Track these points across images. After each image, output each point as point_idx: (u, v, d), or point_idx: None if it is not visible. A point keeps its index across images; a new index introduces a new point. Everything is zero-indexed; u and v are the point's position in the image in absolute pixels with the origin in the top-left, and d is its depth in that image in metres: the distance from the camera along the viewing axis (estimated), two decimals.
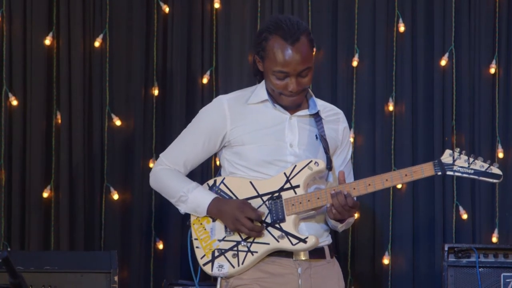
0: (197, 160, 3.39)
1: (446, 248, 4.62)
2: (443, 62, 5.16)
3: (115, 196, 5.10)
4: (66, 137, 5.07)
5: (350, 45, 5.20)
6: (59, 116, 5.09)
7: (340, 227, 3.31)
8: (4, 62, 5.05)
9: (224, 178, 3.31)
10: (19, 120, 5.07)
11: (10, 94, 5.06)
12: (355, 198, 3.24)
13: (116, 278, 4.38)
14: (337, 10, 5.22)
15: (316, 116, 3.32)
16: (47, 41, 5.08)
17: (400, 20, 5.18)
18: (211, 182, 3.33)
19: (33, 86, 5.07)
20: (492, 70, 5.16)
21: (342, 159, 3.40)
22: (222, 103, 3.32)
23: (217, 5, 5.18)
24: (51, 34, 5.10)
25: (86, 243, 5.05)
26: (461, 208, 5.10)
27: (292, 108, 3.29)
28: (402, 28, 5.17)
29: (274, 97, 3.27)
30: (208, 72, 5.19)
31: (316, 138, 3.29)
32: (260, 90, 3.33)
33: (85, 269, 4.39)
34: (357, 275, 5.13)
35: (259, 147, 3.26)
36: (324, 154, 3.27)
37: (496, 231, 5.08)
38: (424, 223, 5.12)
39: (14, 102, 5.05)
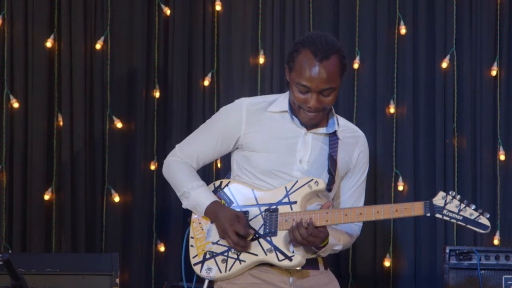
0: (210, 158, 3.41)
1: (447, 250, 4.62)
2: (444, 64, 5.16)
3: (116, 198, 5.10)
4: (68, 139, 5.08)
5: (351, 47, 5.20)
6: (60, 118, 5.10)
7: (322, 252, 3.26)
8: (6, 64, 5.06)
9: (229, 182, 3.33)
10: (20, 122, 5.07)
11: (11, 96, 5.06)
12: (359, 226, 3.30)
13: (117, 280, 4.38)
14: (338, 12, 5.22)
15: (332, 136, 3.31)
16: (49, 44, 5.09)
17: (401, 22, 5.18)
18: (217, 183, 3.35)
19: (34, 88, 5.08)
20: (494, 72, 5.16)
21: (353, 183, 3.39)
22: (242, 106, 3.32)
23: (218, 7, 5.19)
24: (52, 36, 5.11)
25: (88, 245, 5.05)
26: None
27: (308, 126, 3.28)
28: (403, 30, 5.17)
29: (294, 110, 3.27)
30: (209, 74, 5.19)
31: (328, 158, 3.28)
32: (282, 100, 3.32)
33: (87, 271, 4.39)
34: (358, 277, 5.13)
35: (268, 156, 3.26)
36: (327, 174, 3.26)
37: (497, 233, 5.08)
38: (425, 225, 5.12)
39: (16, 105, 5.06)
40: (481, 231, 3.12)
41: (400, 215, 3.15)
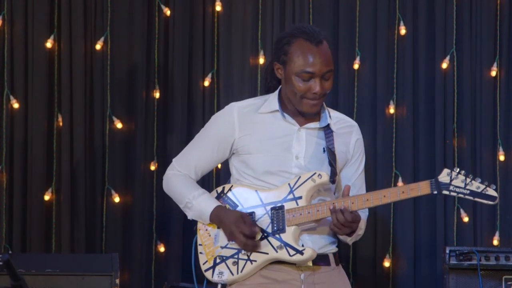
0: (208, 167, 3.40)
1: (447, 251, 4.62)
2: (444, 65, 5.16)
3: (116, 199, 5.10)
4: (68, 140, 5.08)
5: (351, 48, 5.20)
6: (60, 119, 5.10)
7: (350, 240, 3.31)
8: (6, 64, 5.06)
9: (232, 186, 3.33)
10: (20, 122, 5.07)
11: (11, 97, 5.07)
12: (366, 212, 3.31)
13: (117, 281, 4.39)
14: (338, 12, 5.22)
15: (327, 129, 3.32)
16: (49, 44, 5.09)
17: (401, 23, 5.18)
18: (220, 189, 3.35)
19: (34, 89, 5.08)
20: (494, 73, 5.16)
21: (353, 171, 3.39)
22: (233, 110, 3.33)
23: (218, 7, 5.19)
24: (52, 37, 5.11)
25: (87, 246, 5.05)
26: (462, 211, 5.10)
27: (310, 115, 3.29)
28: (403, 31, 5.17)
29: (294, 103, 3.27)
30: (210, 75, 5.19)
31: (324, 151, 3.29)
32: (272, 100, 3.34)
33: (87, 271, 4.39)
34: (358, 278, 5.13)
35: (265, 157, 3.26)
36: (329, 167, 3.27)
37: (497, 234, 5.08)
38: (425, 226, 5.12)
39: (16, 105, 5.06)
40: (490, 202, 3.14)
41: (407, 196, 3.18)
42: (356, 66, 5.19)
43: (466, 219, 5.09)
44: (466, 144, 5.14)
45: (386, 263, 5.11)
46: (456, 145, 5.15)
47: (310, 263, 3.23)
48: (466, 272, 4.59)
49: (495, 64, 5.15)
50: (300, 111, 3.28)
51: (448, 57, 5.16)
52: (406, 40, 5.19)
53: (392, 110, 5.17)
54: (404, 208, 5.13)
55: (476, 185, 3.14)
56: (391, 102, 5.18)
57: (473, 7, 5.18)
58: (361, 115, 5.17)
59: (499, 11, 5.16)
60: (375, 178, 5.14)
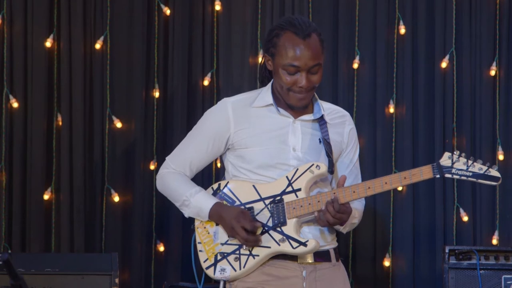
0: (203, 163, 3.39)
1: (447, 250, 4.62)
2: (443, 64, 5.16)
3: (116, 198, 5.10)
4: (67, 139, 5.08)
5: (351, 47, 5.20)
6: (60, 118, 5.10)
7: (343, 228, 3.31)
8: (5, 64, 5.06)
9: (228, 182, 3.32)
10: (20, 122, 5.07)
11: (11, 96, 5.06)
12: (363, 201, 3.30)
13: (117, 280, 4.39)
14: (338, 12, 5.22)
15: (321, 120, 3.33)
16: (48, 43, 5.09)
17: (401, 22, 5.18)
18: (215, 186, 3.34)
19: (34, 88, 5.08)
20: (493, 72, 5.16)
21: (349, 160, 3.40)
22: (226, 106, 3.33)
23: (218, 7, 5.19)
24: (52, 36, 5.11)
25: (87, 245, 5.05)
26: (461, 210, 5.10)
27: (298, 108, 3.30)
28: (402, 30, 5.18)
29: (282, 96, 3.27)
30: (209, 74, 5.19)
31: (320, 142, 3.29)
32: (265, 94, 3.34)
33: (86, 271, 4.39)
34: (358, 277, 5.13)
35: (262, 150, 3.26)
36: (326, 157, 3.28)
37: (496, 233, 5.08)
38: (425, 225, 5.12)
39: (15, 104, 5.06)
40: (493, 183, 3.15)
41: (409, 181, 3.18)
42: (355, 66, 5.19)
43: (465, 218, 5.09)
44: (465, 144, 5.14)
45: (386, 263, 5.11)
46: (456, 145, 5.14)
47: (312, 259, 3.23)
48: (465, 272, 4.59)
49: (494, 64, 5.15)
50: (288, 103, 3.28)
51: (447, 57, 5.16)
52: (405, 40, 5.19)
53: (391, 110, 5.17)
54: (404, 207, 5.13)
55: (478, 167, 3.14)
56: (391, 101, 5.18)
57: (472, 6, 5.18)
58: (361, 115, 5.17)
59: (498, 11, 5.17)
60: (375, 178, 5.12)
